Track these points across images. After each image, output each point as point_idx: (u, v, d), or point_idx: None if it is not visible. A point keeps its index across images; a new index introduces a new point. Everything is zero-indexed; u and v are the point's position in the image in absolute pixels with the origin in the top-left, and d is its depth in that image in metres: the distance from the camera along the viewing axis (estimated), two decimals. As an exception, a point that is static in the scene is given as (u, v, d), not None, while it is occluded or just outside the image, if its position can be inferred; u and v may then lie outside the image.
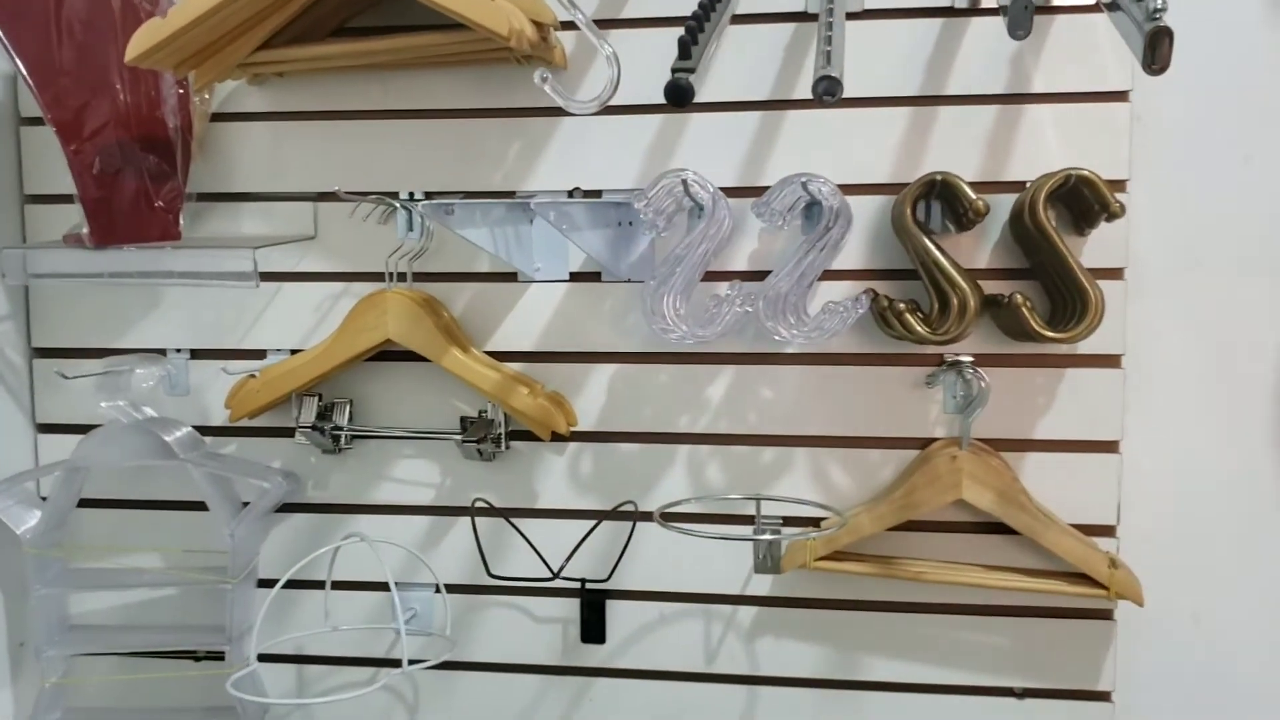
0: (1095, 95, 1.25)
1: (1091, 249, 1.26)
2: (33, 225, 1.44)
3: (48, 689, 1.40)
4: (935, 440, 1.32)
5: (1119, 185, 1.24)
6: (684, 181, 1.22)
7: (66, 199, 1.39)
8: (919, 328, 1.20)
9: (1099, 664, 1.31)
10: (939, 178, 1.18)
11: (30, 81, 1.26)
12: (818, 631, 1.37)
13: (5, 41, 1.25)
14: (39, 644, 1.39)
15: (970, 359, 1.27)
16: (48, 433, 1.46)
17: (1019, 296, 1.17)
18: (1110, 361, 1.27)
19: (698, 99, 1.29)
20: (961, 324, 1.18)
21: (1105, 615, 1.31)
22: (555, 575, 1.31)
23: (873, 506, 1.29)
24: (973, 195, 1.17)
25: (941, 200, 1.24)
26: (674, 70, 0.95)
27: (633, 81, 1.19)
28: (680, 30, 1.00)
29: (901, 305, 1.21)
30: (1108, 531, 1.29)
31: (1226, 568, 1.34)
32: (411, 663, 1.27)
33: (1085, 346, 1.25)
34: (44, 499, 1.42)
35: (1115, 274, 1.25)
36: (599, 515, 1.35)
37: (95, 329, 1.45)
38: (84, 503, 1.45)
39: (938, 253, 1.19)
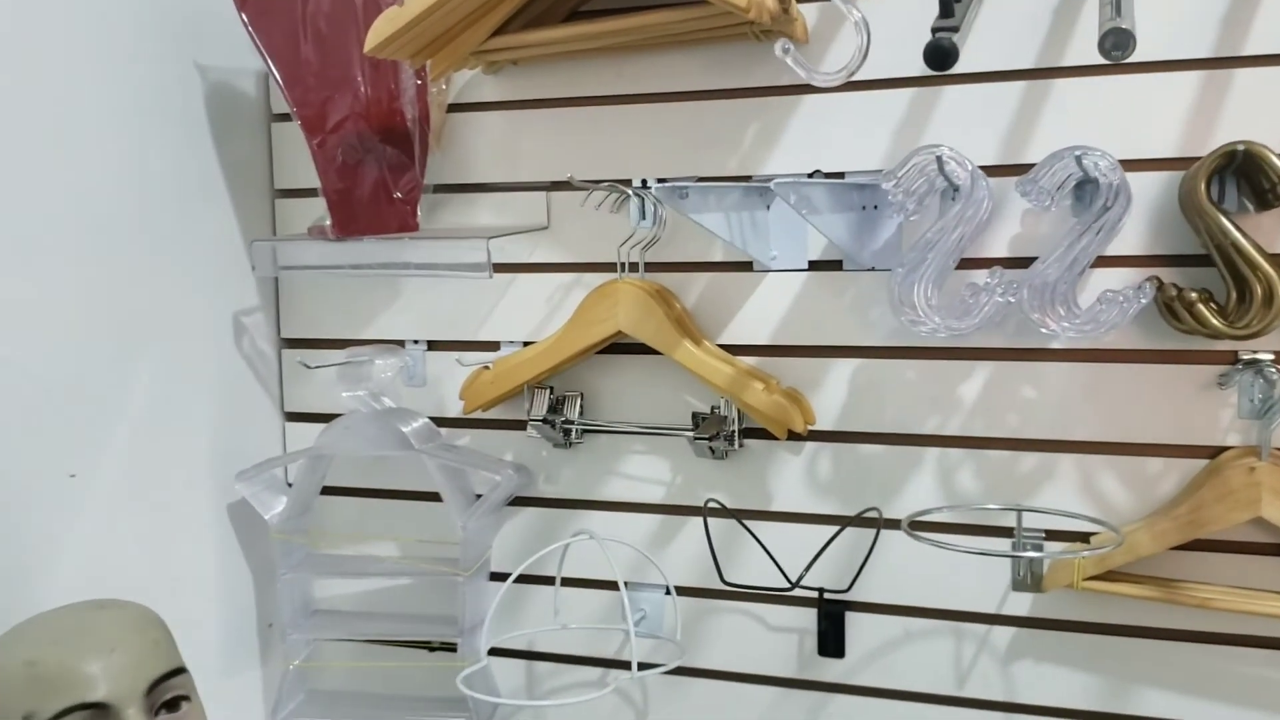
0: None
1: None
2: (282, 219, 1.49)
3: (292, 670, 1.44)
4: (1228, 449, 1.15)
5: None
6: (938, 158, 1.11)
7: (313, 193, 1.42)
8: (1214, 320, 1.05)
9: None
10: (1241, 148, 1.03)
11: (279, 78, 1.29)
12: (1083, 658, 1.23)
13: (255, 39, 1.28)
14: (285, 627, 1.43)
15: (1271, 357, 1.11)
16: (295, 421, 1.51)
17: None
18: None
19: (951, 70, 1.21)
20: (1267, 316, 1.03)
21: None
22: (794, 585, 1.23)
23: (1153, 522, 1.14)
24: None
25: (1240, 175, 1.09)
26: (934, 30, 0.86)
27: (879, 54, 1.10)
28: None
29: (1194, 295, 1.06)
30: None
31: None
32: (642, 667, 1.22)
33: None
34: (290, 485, 1.46)
35: None
36: (840, 521, 1.27)
37: (339, 320, 1.48)
38: (326, 490, 1.48)
39: (1238, 234, 1.04)
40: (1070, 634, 1.23)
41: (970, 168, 1.12)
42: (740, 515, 1.29)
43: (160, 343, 1.31)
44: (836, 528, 1.27)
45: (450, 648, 1.43)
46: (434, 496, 1.42)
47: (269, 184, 1.48)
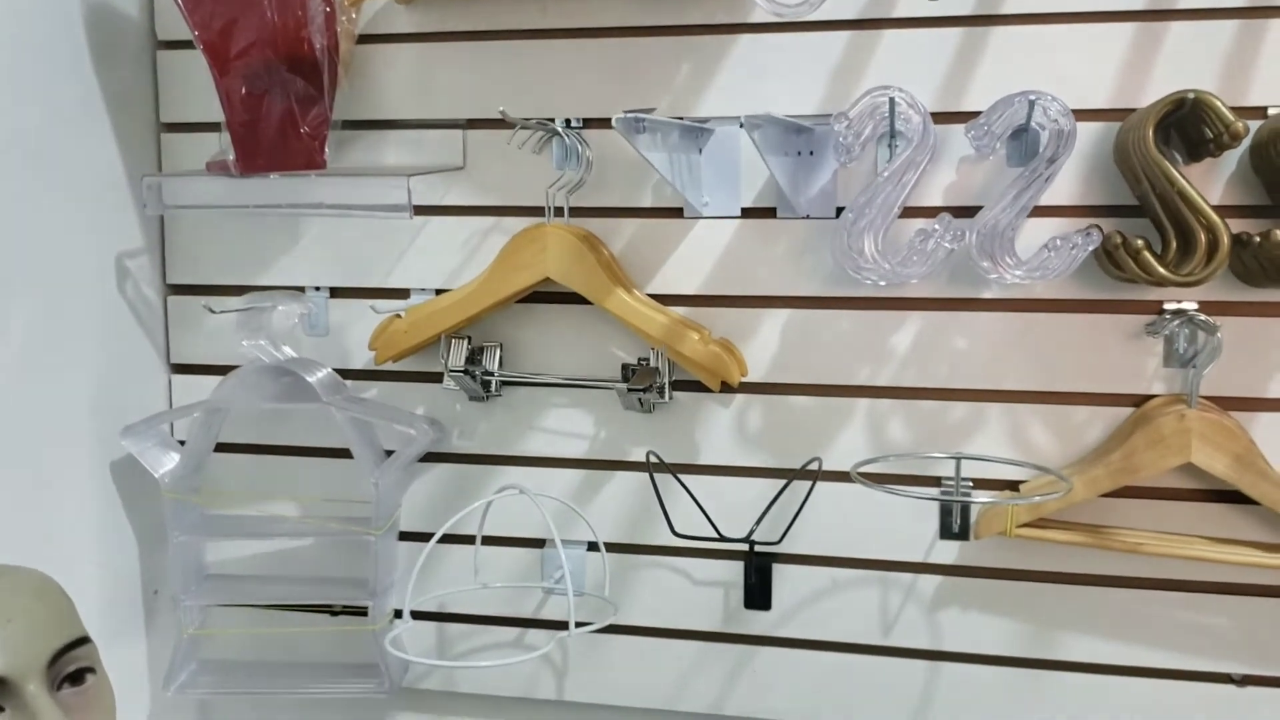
0: None
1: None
2: (169, 155, 1.39)
3: (185, 639, 1.35)
4: (1153, 398, 1.19)
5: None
6: (891, 100, 1.11)
7: (204, 127, 1.35)
8: (1159, 268, 1.07)
9: None
10: (1191, 95, 1.05)
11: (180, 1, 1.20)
12: (1010, 604, 1.26)
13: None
14: (177, 593, 1.34)
15: (1196, 306, 1.15)
16: (182, 373, 1.41)
17: (1278, 233, 1.03)
18: None
19: (890, 14, 1.20)
20: (1210, 264, 1.06)
21: None
22: (749, 539, 1.23)
23: (1084, 469, 1.17)
24: (1231, 116, 1.03)
25: (1178, 126, 1.11)
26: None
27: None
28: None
29: (1139, 242, 1.08)
30: None
31: None
32: (579, 625, 1.18)
33: None
34: (181, 443, 1.36)
35: None
36: (771, 474, 1.26)
37: (232, 265, 1.39)
38: (221, 447, 1.39)
39: (1184, 181, 1.06)
40: (996, 581, 1.26)
41: (923, 111, 1.11)
42: (673, 469, 1.27)
43: (33, 286, 1.20)
44: (767, 480, 1.27)
45: (354, 611, 1.38)
46: (337, 454, 1.37)
47: (154, 116, 1.38)
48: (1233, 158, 1.15)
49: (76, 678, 0.86)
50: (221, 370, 1.34)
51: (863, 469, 1.20)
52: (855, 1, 1.21)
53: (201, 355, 1.41)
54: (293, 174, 1.29)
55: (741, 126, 1.21)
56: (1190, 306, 1.16)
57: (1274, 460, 1.16)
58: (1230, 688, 1.22)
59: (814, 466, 1.25)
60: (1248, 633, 1.21)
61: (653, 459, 1.28)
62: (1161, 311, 1.18)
